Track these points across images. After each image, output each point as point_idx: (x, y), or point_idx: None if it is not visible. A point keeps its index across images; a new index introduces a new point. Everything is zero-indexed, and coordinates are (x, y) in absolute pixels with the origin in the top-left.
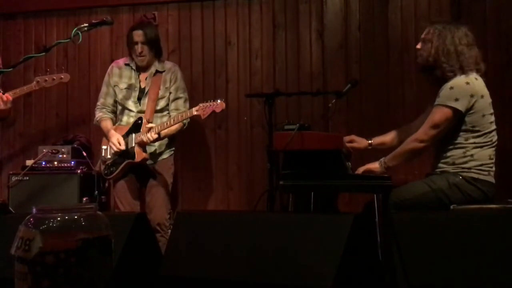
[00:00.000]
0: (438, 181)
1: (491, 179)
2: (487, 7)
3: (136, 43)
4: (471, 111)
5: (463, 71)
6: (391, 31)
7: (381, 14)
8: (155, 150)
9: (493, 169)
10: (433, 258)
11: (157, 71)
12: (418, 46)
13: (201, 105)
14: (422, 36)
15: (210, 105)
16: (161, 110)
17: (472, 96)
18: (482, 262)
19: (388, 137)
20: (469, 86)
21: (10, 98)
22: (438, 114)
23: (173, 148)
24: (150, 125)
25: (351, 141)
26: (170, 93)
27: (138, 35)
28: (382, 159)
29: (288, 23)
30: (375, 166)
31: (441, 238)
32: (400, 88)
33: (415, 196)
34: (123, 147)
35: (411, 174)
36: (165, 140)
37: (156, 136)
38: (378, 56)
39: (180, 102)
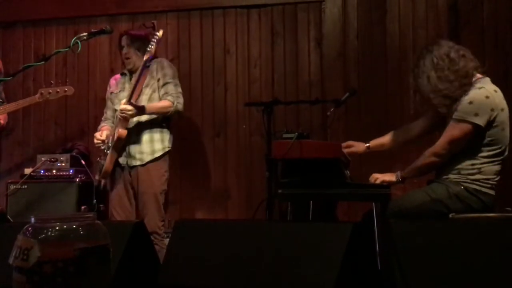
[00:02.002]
0: (438, 190)
1: (492, 192)
2: (485, 16)
3: (122, 47)
4: (493, 125)
5: (467, 86)
6: (389, 40)
7: (379, 23)
8: (148, 147)
9: (496, 183)
10: (432, 267)
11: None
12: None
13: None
14: (412, 86)
15: (152, 41)
16: (150, 97)
17: (492, 110)
18: (481, 270)
19: (387, 139)
20: (489, 100)
21: None
22: (458, 130)
23: (167, 149)
24: (123, 101)
25: (348, 147)
26: (158, 80)
27: (123, 39)
28: (398, 173)
29: (286, 32)
30: (391, 179)
31: (440, 246)
32: (398, 96)
33: (414, 206)
34: (103, 137)
35: (409, 183)
36: (157, 137)
37: (127, 106)
38: (376, 65)
39: (170, 86)
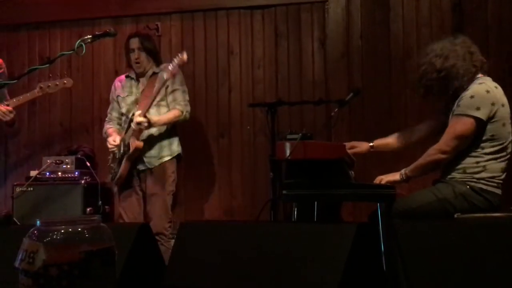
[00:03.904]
0: (444, 190)
1: (499, 191)
2: (489, 14)
3: (133, 50)
4: (493, 120)
5: (473, 74)
6: (392, 40)
7: (382, 22)
8: (156, 152)
9: (502, 181)
10: (436, 267)
11: (153, 73)
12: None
13: (169, 68)
14: (420, 61)
15: (174, 60)
16: (158, 104)
17: (493, 104)
18: (486, 271)
19: (391, 139)
20: (489, 95)
21: (10, 108)
22: (460, 125)
23: (175, 154)
24: (137, 112)
25: (351, 147)
26: (167, 87)
27: (134, 42)
28: (402, 171)
29: (290, 32)
30: (395, 178)
31: (444, 247)
32: (402, 97)
33: (420, 205)
34: (117, 142)
35: (414, 183)
36: (165, 142)
37: (143, 118)
38: (380, 65)
39: (178, 93)
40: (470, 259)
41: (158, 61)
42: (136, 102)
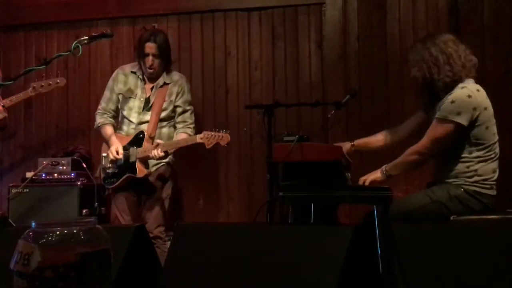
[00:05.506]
0: (438, 192)
1: (493, 192)
2: (485, 17)
3: (147, 54)
4: (476, 124)
5: (459, 77)
6: (389, 42)
7: (379, 25)
8: (152, 162)
9: (495, 182)
10: (433, 269)
11: (164, 83)
12: (410, 70)
13: (205, 133)
14: (409, 57)
15: (215, 135)
16: (162, 120)
17: (475, 109)
18: (482, 272)
19: (374, 138)
20: (471, 99)
21: (0, 108)
22: (439, 129)
23: (171, 162)
24: (158, 141)
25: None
26: (175, 106)
27: (150, 47)
28: (383, 167)
29: (287, 34)
30: (377, 175)
31: (441, 249)
32: (399, 98)
33: (415, 208)
34: (120, 156)
35: (411, 184)
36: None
37: (163, 154)
38: (377, 67)
39: (187, 114)
40: (466, 261)
41: (168, 63)
42: (135, 102)
